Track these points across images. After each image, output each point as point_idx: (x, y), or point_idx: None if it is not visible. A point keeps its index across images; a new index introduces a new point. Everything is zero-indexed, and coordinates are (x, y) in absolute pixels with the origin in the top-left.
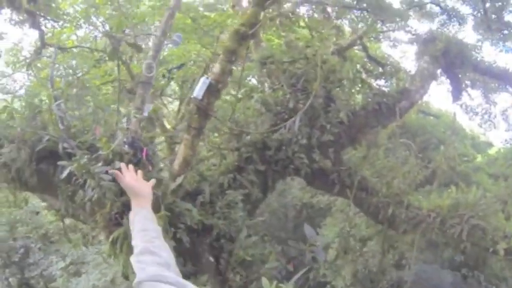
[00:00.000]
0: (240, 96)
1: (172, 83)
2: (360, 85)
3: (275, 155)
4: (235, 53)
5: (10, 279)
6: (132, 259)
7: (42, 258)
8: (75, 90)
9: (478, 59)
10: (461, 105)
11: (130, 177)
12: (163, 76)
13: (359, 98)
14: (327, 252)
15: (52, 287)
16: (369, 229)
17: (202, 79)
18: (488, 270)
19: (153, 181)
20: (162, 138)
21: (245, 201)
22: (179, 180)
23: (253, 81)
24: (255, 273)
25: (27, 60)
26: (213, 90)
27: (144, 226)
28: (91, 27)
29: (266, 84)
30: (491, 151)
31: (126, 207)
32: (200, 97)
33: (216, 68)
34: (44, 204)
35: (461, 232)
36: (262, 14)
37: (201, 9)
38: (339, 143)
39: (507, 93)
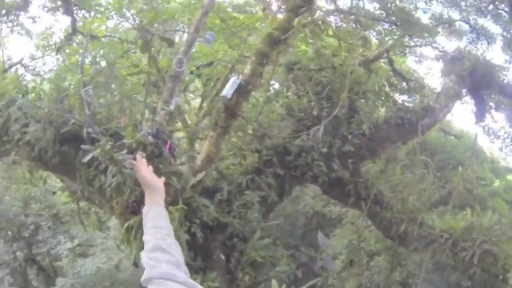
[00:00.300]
0: (265, 99)
1: (196, 80)
2: (383, 98)
3: (295, 161)
4: (267, 56)
5: (17, 253)
6: (143, 255)
7: (50, 236)
8: (103, 78)
9: (505, 81)
10: (483, 127)
11: (146, 170)
12: (191, 73)
13: (382, 111)
14: (334, 262)
15: (57, 266)
16: (377, 244)
17: (233, 79)
18: None
19: (163, 179)
20: (182, 134)
21: (261, 203)
22: (200, 175)
23: (276, 85)
24: (264, 275)
25: (58, 45)
26: (242, 91)
27: (157, 223)
28: (121, 19)
29: (291, 90)
30: (510, 177)
31: (144, 197)
32: (229, 96)
33: (247, 69)
34: (60, 185)
35: (472, 256)
36: (296, 20)
37: (230, 9)
38: (358, 154)
39: None
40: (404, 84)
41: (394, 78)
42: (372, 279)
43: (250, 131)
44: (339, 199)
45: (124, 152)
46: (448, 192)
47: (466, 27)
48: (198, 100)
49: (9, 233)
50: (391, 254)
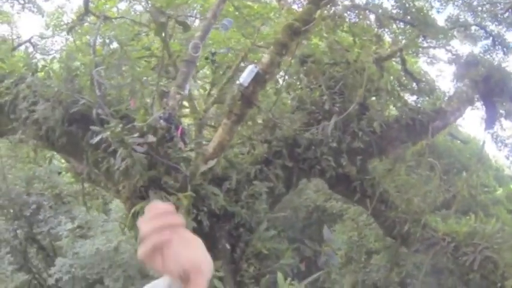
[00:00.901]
0: (277, 90)
1: (205, 67)
2: (395, 98)
3: (304, 153)
4: (286, 46)
5: (18, 232)
6: None
7: (52, 216)
8: (115, 59)
9: None
10: (492, 134)
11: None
12: (206, 58)
13: (393, 110)
14: (336, 256)
15: (57, 246)
16: (377, 242)
17: (250, 67)
18: None
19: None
20: (190, 120)
21: (268, 194)
22: (212, 163)
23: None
24: (269, 267)
25: (69, 25)
26: (259, 80)
27: None
28: (134, 2)
29: (303, 83)
30: None
31: (152, 182)
32: (246, 84)
33: (265, 58)
34: (65, 165)
35: (473, 262)
36: (317, 12)
37: None
38: (367, 151)
39: None
40: (414, 84)
41: (404, 78)
42: (369, 277)
43: (261, 121)
44: (344, 195)
45: (135, 135)
46: (452, 196)
47: (481, 32)
48: (207, 87)
49: (11, 211)
50: (391, 253)
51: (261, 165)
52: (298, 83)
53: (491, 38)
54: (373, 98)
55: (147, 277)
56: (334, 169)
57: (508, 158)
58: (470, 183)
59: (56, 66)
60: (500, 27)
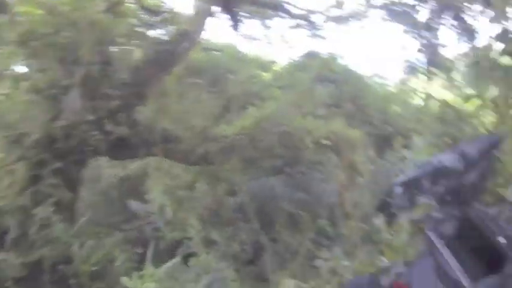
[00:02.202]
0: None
1: None
2: (136, 39)
3: (66, 144)
4: None
5: None
6: None
7: None
8: None
9: None
10: (243, 35)
11: None
12: None
13: (138, 52)
14: (163, 213)
15: None
16: (189, 174)
17: None
18: (304, 162)
19: None
20: None
21: (59, 209)
22: None
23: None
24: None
25: None
26: None
27: None
28: None
29: (33, 68)
30: (277, 68)
31: None
32: None
33: None
34: None
35: (273, 141)
36: None
37: None
38: (127, 105)
39: (281, 18)
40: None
41: (145, 16)
42: (207, 206)
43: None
44: (131, 156)
45: None
46: (228, 99)
47: None
48: None
49: None
50: (208, 176)
51: (31, 187)
52: (29, 71)
53: None
54: (114, 49)
55: None
56: (105, 140)
57: (263, 50)
58: (240, 81)
59: None
60: None
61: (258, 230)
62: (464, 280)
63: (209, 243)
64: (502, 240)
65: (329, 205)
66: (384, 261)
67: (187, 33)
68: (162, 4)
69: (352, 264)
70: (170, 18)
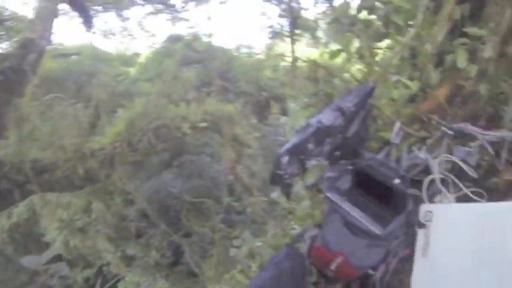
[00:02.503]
0: None
1: None
2: None
3: None
4: None
5: None
6: None
7: None
8: None
9: None
10: (99, 32)
11: None
12: None
13: None
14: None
15: None
16: (80, 199)
17: None
18: (189, 149)
19: None
20: None
21: None
22: None
23: None
24: None
25: None
26: None
27: None
28: None
29: None
30: (141, 60)
31: None
32: None
33: None
34: None
35: (151, 138)
36: None
37: None
38: None
39: (138, 6)
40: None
41: None
42: (107, 223)
43: None
44: (8, 205)
45: None
46: (95, 106)
47: None
48: None
49: None
50: (99, 194)
51: None
52: None
53: None
54: None
55: None
56: None
57: (122, 43)
58: (103, 84)
59: None
60: None
61: (168, 231)
62: (374, 227)
63: (128, 260)
64: (396, 181)
65: (226, 183)
66: (296, 228)
67: (32, 42)
68: (5, 10)
69: (266, 241)
70: (15, 26)
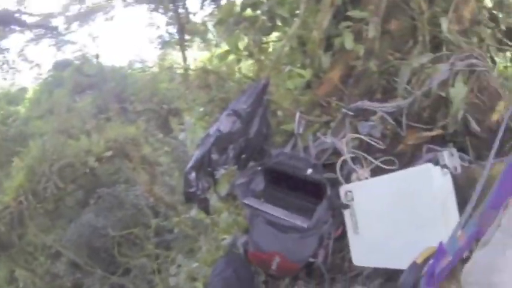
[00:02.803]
0: None
1: None
2: None
3: None
4: None
5: None
6: None
7: None
8: None
9: None
10: None
11: None
12: None
13: None
14: None
15: None
16: None
17: None
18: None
19: None
20: None
21: None
22: None
23: None
24: None
25: None
26: None
27: None
28: None
29: None
30: (29, 95)
31: None
32: None
33: None
34: None
35: (56, 182)
36: None
37: None
38: None
39: (16, 33)
40: None
41: None
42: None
43: None
44: None
45: None
46: None
47: None
48: None
49: None
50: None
51: None
52: None
53: None
54: None
55: None
56: None
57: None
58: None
59: None
60: None
61: (105, 275)
62: (299, 221)
63: None
64: (309, 171)
65: (149, 206)
66: (227, 239)
67: None
68: None
69: (202, 259)
70: None
